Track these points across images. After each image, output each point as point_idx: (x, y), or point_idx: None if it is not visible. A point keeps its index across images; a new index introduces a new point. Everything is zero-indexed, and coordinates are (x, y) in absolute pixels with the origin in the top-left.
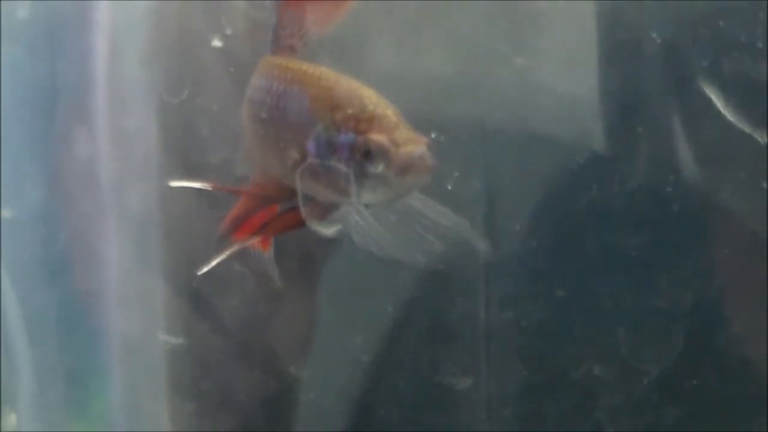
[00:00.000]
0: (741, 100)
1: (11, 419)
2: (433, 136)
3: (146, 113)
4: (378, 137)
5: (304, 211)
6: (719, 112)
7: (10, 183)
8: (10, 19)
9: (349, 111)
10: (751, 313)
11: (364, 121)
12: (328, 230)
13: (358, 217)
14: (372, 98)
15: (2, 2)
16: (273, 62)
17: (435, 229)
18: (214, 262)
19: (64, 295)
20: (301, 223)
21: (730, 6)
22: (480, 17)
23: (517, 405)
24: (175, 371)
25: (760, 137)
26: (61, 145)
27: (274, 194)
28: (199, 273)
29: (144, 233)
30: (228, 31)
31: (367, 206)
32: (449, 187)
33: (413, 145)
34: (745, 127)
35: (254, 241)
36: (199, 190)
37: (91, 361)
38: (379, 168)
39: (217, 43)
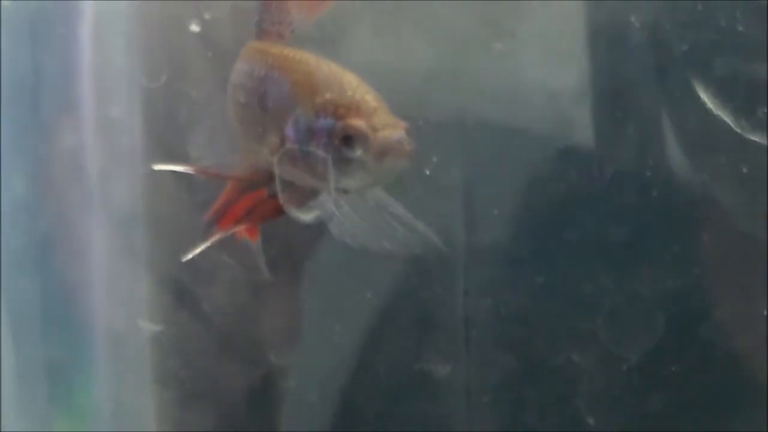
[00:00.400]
0: (721, 84)
1: None
2: (410, 122)
3: (130, 102)
4: (356, 122)
5: (282, 197)
6: (701, 99)
7: None
8: None
9: (328, 96)
10: (733, 301)
11: (342, 106)
12: (306, 217)
13: (334, 207)
14: (352, 83)
15: None
16: (256, 47)
17: (407, 219)
18: (198, 250)
19: (47, 286)
20: (281, 211)
21: None
22: (459, 3)
23: (497, 392)
24: (160, 362)
25: (737, 126)
26: (45, 135)
27: (255, 179)
28: (183, 260)
29: (128, 223)
30: (207, 16)
31: (345, 192)
32: (428, 173)
33: (391, 130)
34: (725, 114)
35: (240, 230)
36: (184, 179)
37: (75, 353)
38: (358, 153)
39: (195, 28)
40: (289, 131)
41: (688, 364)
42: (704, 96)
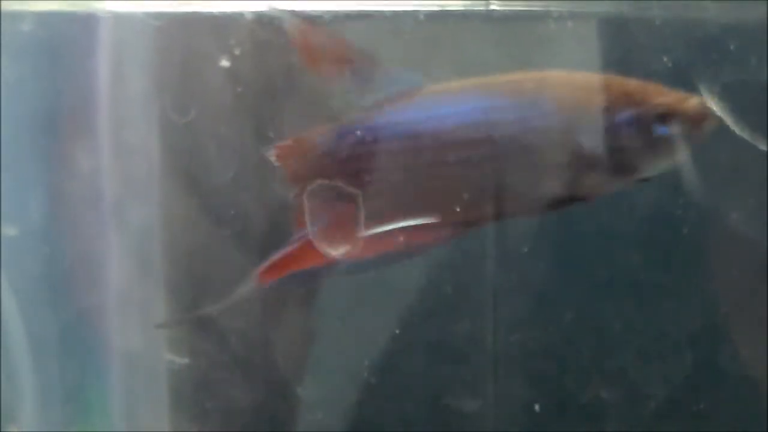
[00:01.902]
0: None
1: None
2: None
3: (149, 131)
4: (662, 99)
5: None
6: (728, 130)
7: (13, 200)
8: (12, 35)
9: (608, 91)
10: (759, 337)
11: (627, 94)
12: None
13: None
14: (597, 79)
15: (3, 16)
16: (435, 90)
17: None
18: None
19: (66, 313)
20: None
21: (739, 25)
22: (489, 41)
23: (525, 429)
24: (177, 390)
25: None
26: (63, 162)
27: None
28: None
29: (146, 250)
30: (237, 52)
31: (645, 180)
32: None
33: (691, 98)
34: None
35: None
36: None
37: (93, 379)
38: (675, 127)
39: (225, 63)
40: (589, 139)
41: (715, 400)
42: (733, 127)
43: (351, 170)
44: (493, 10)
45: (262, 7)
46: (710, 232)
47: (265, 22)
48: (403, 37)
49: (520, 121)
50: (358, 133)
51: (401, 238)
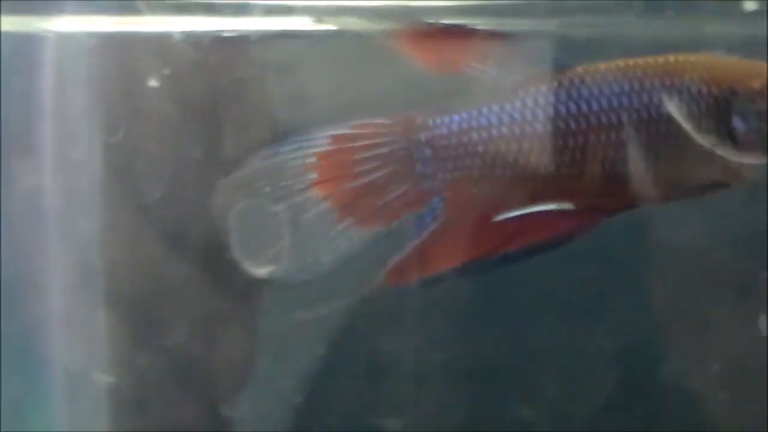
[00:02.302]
0: None
1: None
2: None
3: (91, 148)
4: None
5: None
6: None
7: None
8: None
9: (758, 78)
10: (683, 358)
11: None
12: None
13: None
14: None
15: None
16: (582, 72)
17: None
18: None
19: (7, 328)
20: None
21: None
22: (385, 62)
23: None
24: (117, 402)
25: None
26: (6, 178)
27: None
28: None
29: (88, 265)
30: (166, 71)
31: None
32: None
33: None
34: None
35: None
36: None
37: (33, 393)
38: None
39: (154, 83)
40: (737, 123)
41: (638, 418)
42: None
43: (490, 153)
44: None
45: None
46: (635, 251)
47: (193, 41)
48: (329, 56)
49: (669, 104)
50: (498, 114)
51: (544, 228)
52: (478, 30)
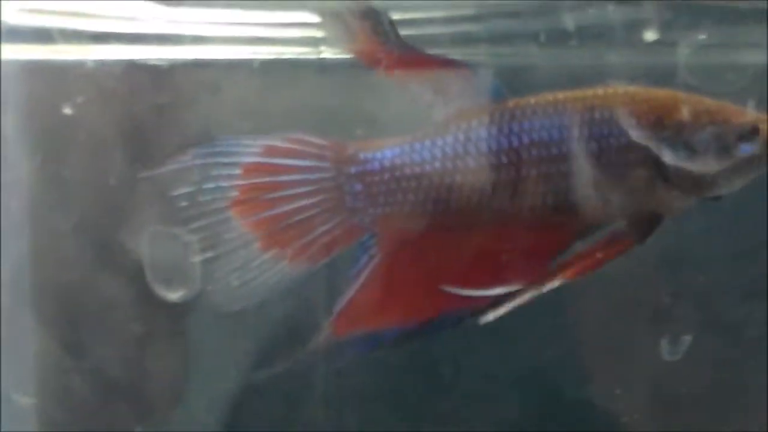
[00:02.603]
0: None
1: None
2: None
3: (21, 170)
4: (744, 119)
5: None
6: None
7: None
8: None
9: (689, 108)
10: (589, 379)
11: (708, 113)
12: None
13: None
14: (671, 95)
15: None
16: (512, 107)
17: None
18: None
19: None
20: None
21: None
22: (324, 88)
23: None
24: (47, 417)
25: None
26: None
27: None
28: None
29: (15, 287)
30: (80, 100)
31: (718, 199)
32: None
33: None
34: None
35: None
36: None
37: None
38: (758, 146)
39: (67, 110)
40: (666, 155)
41: None
42: None
43: (423, 188)
44: (325, 58)
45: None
46: None
47: (106, 69)
48: (239, 84)
49: (598, 137)
50: (429, 149)
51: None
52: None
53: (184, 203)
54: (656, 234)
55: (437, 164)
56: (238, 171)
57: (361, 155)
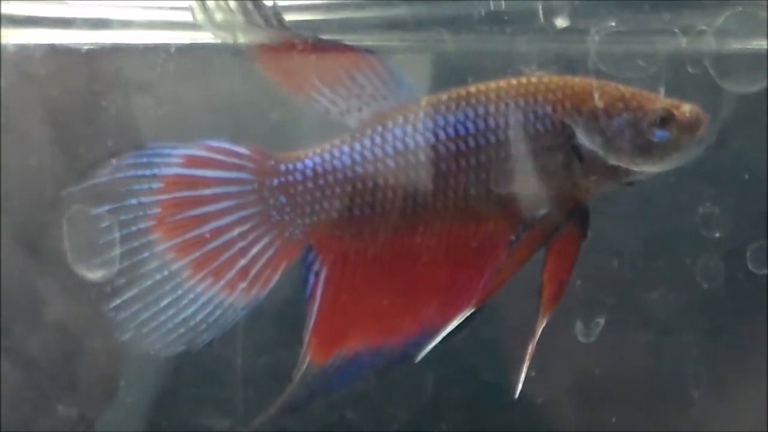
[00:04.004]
0: None
1: None
2: None
3: None
4: (660, 105)
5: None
6: None
7: None
8: None
9: (604, 95)
10: (504, 360)
11: (623, 100)
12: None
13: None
14: (588, 83)
15: None
16: (436, 101)
17: None
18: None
19: None
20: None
21: None
22: (238, 75)
23: None
24: None
25: None
26: None
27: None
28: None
29: None
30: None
31: (632, 185)
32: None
33: (686, 106)
34: None
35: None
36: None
37: None
38: (672, 132)
39: None
40: (582, 142)
41: (456, 422)
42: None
43: (348, 192)
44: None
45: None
46: None
47: (28, 54)
48: (155, 69)
49: (515, 126)
50: (349, 155)
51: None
52: (336, 44)
53: (104, 224)
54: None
55: (359, 168)
56: (159, 185)
57: (282, 166)
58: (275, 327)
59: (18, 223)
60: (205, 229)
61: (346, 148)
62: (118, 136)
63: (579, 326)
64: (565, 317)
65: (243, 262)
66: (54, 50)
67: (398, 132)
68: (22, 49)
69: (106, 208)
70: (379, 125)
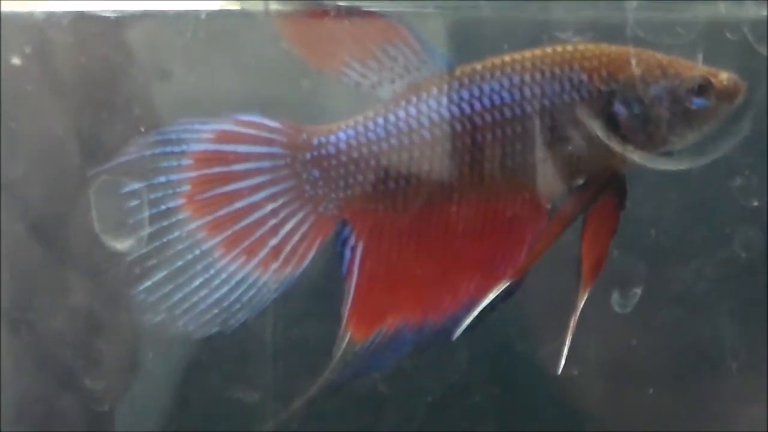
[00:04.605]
0: None
1: None
2: None
3: None
4: (696, 73)
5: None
6: None
7: None
8: None
9: (642, 63)
10: (533, 338)
11: (662, 68)
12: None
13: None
14: (625, 51)
15: None
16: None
17: None
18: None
19: None
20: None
21: None
22: (269, 41)
23: (304, 420)
24: None
25: None
26: None
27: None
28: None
29: None
30: (27, 50)
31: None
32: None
33: (723, 73)
34: None
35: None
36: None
37: None
38: (710, 99)
39: (16, 60)
40: (618, 110)
41: (488, 395)
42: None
43: (383, 167)
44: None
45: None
46: None
47: (54, 21)
48: (185, 35)
49: (552, 95)
50: (383, 127)
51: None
52: (366, 13)
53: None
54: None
55: (393, 140)
56: (188, 161)
57: (315, 140)
58: (304, 300)
59: (43, 195)
60: (237, 206)
61: (380, 120)
62: (145, 104)
63: (615, 297)
64: (600, 289)
65: (276, 239)
66: (82, 17)
67: (432, 103)
68: (50, 17)
69: (135, 186)
70: (414, 96)
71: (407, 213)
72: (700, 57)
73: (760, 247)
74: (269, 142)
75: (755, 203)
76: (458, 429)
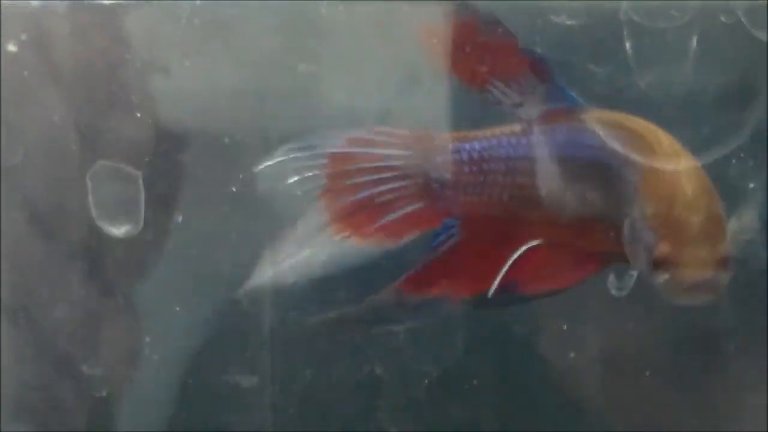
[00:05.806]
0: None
1: None
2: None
3: None
4: (666, 250)
5: None
6: None
7: None
8: None
9: (658, 206)
10: (533, 320)
11: (665, 223)
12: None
13: None
14: (692, 191)
15: None
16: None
17: None
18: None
19: None
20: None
21: None
22: (264, 28)
23: (302, 404)
24: None
25: None
26: None
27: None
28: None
29: None
30: (23, 37)
31: None
32: (234, 190)
33: (701, 269)
34: None
35: None
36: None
37: None
38: (663, 278)
39: (12, 48)
40: (625, 227)
41: (486, 377)
42: None
43: (507, 182)
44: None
45: None
46: None
47: (49, 11)
48: (180, 22)
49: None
50: (515, 145)
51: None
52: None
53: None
54: None
55: (523, 162)
56: (325, 161)
57: (450, 146)
58: (303, 283)
59: (42, 184)
60: (363, 193)
61: (512, 139)
62: (142, 91)
63: (611, 279)
64: (596, 276)
65: (387, 219)
66: (77, 6)
67: (562, 137)
68: (45, 6)
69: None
70: (547, 126)
71: (510, 223)
72: (695, 40)
73: (761, 233)
74: (401, 145)
75: (751, 185)
76: (455, 413)
